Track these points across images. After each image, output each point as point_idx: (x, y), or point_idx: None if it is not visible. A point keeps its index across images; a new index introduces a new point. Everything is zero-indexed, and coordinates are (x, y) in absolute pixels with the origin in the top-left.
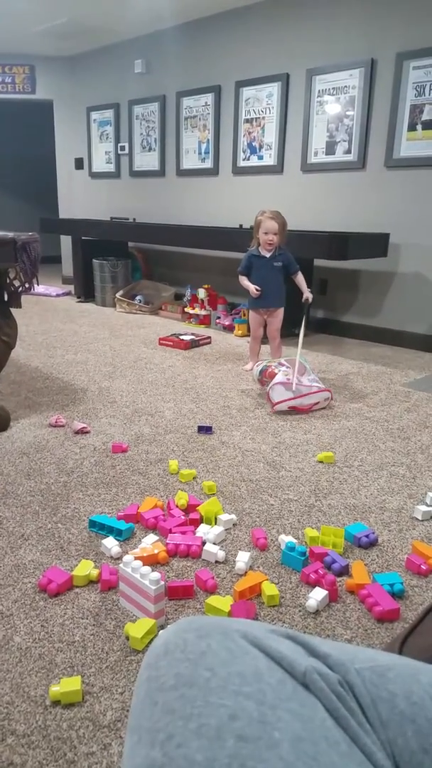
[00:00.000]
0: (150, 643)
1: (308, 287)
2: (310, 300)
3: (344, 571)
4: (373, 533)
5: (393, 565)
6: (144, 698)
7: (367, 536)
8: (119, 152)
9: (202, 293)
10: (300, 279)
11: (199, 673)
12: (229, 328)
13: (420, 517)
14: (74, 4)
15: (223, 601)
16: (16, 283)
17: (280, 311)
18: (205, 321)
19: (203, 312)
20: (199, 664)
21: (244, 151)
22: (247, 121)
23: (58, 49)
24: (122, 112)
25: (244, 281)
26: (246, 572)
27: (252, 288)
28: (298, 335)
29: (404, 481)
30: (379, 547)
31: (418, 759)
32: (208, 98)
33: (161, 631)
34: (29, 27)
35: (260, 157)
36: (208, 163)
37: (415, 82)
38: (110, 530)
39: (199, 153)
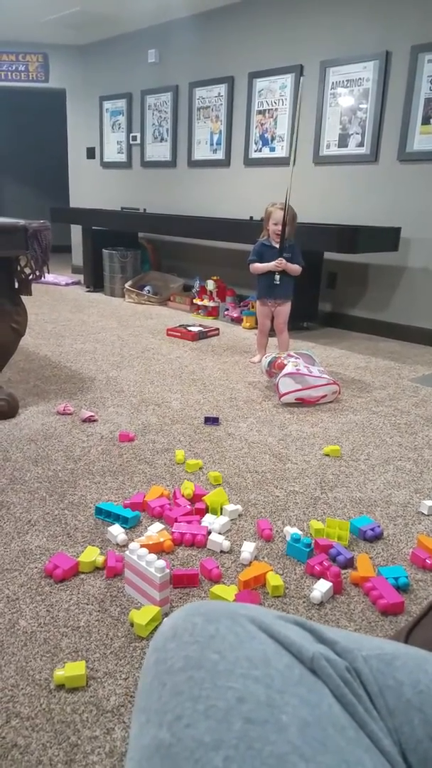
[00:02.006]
0: (154, 630)
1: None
2: (279, 266)
3: (349, 564)
4: (379, 527)
5: (398, 559)
6: (152, 680)
7: (372, 529)
8: (131, 142)
9: (210, 285)
10: (296, 268)
11: (207, 656)
12: (237, 320)
13: (426, 512)
14: None
15: (227, 591)
16: (27, 270)
17: (288, 304)
18: (213, 312)
19: (212, 303)
20: (208, 647)
21: (256, 143)
22: (259, 112)
23: (71, 37)
24: (135, 102)
25: (258, 266)
26: (251, 562)
27: (271, 265)
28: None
29: (411, 476)
30: (385, 540)
31: (424, 747)
32: (221, 89)
33: (169, 615)
34: (42, 15)
35: (272, 149)
36: (220, 155)
37: (430, 75)
38: (116, 518)
39: (211, 144)
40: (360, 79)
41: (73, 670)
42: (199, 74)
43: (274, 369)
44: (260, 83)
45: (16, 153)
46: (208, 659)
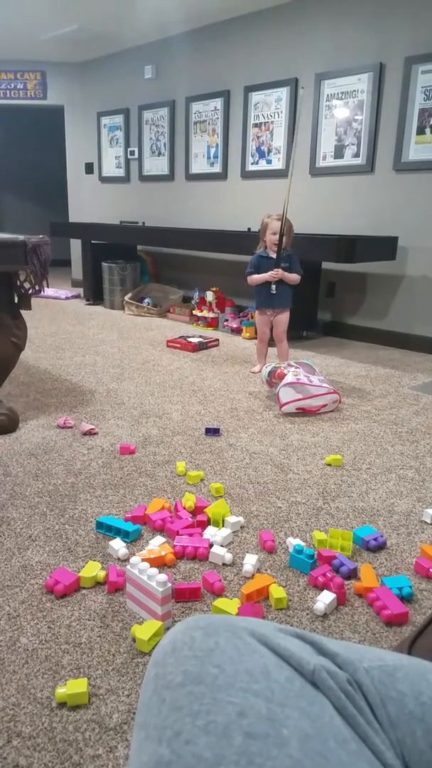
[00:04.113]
0: (157, 645)
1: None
2: (275, 276)
3: (352, 575)
4: (382, 536)
5: (401, 569)
6: (152, 695)
7: (375, 539)
8: (129, 157)
9: (210, 296)
10: (294, 277)
11: (207, 670)
12: (237, 331)
13: (429, 521)
14: (85, 11)
15: (230, 604)
16: (27, 285)
17: (286, 313)
18: (212, 323)
19: (211, 314)
20: (207, 661)
21: (252, 155)
22: (255, 125)
23: (69, 55)
24: (132, 117)
25: (256, 277)
26: (253, 575)
27: (268, 275)
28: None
29: (413, 485)
30: (388, 550)
31: (427, 758)
32: (218, 103)
33: (169, 629)
34: (41, 34)
35: (269, 161)
36: (217, 168)
37: (423, 86)
38: (117, 532)
39: (208, 157)
40: (355, 90)
41: (74, 687)
42: (195, 89)
43: (274, 379)
44: (256, 96)
45: (16, 169)
46: (208, 673)
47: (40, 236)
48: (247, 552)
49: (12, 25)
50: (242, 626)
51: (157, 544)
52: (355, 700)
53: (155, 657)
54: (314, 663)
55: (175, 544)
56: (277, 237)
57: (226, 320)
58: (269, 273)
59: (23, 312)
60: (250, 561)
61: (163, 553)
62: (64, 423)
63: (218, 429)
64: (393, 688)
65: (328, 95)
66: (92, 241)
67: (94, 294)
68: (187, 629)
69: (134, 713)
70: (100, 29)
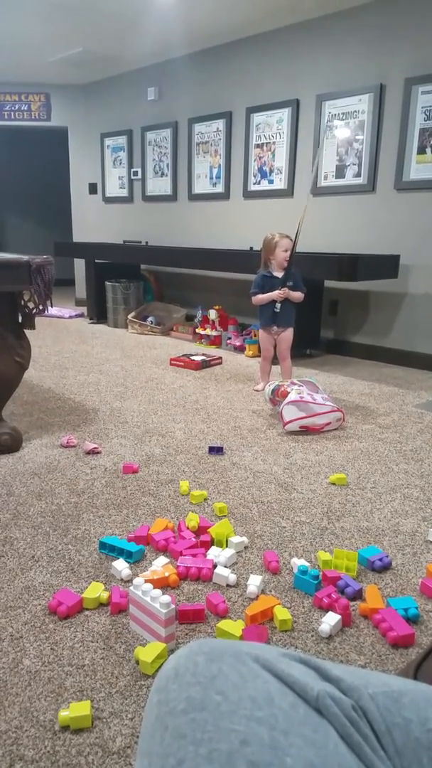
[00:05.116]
0: (160, 667)
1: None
2: (281, 296)
3: (358, 596)
4: (387, 557)
5: (407, 590)
6: (154, 722)
7: (380, 560)
8: (132, 177)
9: (213, 314)
10: (299, 295)
11: (210, 696)
12: (240, 349)
13: None
14: (89, 35)
15: (234, 626)
16: (31, 305)
17: (290, 331)
18: (215, 341)
19: (214, 333)
20: (210, 687)
21: (254, 176)
22: (257, 146)
23: (73, 77)
24: (135, 138)
25: (262, 296)
26: (258, 596)
27: (275, 293)
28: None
29: (418, 504)
30: (393, 570)
31: None
32: (220, 124)
33: (172, 654)
34: (45, 57)
35: (270, 181)
36: (220, 188)
37: (424, 106)
38: (120, 552)
39: (211, 178)
40: (356, 111)
41: (78, 710)
42: (197, 110)
43: (277, 397)
44: (258, 117)
45: (21, 189)
46: (211, 700)
47: (45, 256)
48: (252, 573)
49: (17, 48)
50: (246, 651)
51: (160, 564)
52: (360, 727)
53: (158, 683)
54: (318, 689)
55: (178, 564)
56: (288, 254)
57: (229, 338)
58: (276, 292)
59: (27, 331)
60: (254, 582)
61: (166, 574)
62: (68, 442)
63: (221, 448)
64: (398, 715)
65: (329, 116)
66: (96, 261)
67: (98, 313)
68: (190, 654)
69: (137, 737)
70: (103, 52)
